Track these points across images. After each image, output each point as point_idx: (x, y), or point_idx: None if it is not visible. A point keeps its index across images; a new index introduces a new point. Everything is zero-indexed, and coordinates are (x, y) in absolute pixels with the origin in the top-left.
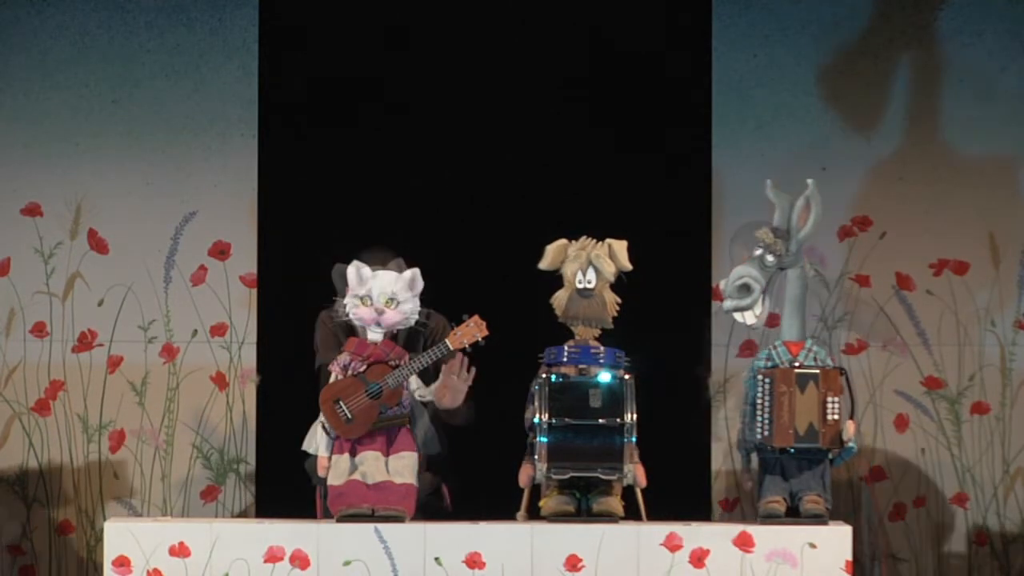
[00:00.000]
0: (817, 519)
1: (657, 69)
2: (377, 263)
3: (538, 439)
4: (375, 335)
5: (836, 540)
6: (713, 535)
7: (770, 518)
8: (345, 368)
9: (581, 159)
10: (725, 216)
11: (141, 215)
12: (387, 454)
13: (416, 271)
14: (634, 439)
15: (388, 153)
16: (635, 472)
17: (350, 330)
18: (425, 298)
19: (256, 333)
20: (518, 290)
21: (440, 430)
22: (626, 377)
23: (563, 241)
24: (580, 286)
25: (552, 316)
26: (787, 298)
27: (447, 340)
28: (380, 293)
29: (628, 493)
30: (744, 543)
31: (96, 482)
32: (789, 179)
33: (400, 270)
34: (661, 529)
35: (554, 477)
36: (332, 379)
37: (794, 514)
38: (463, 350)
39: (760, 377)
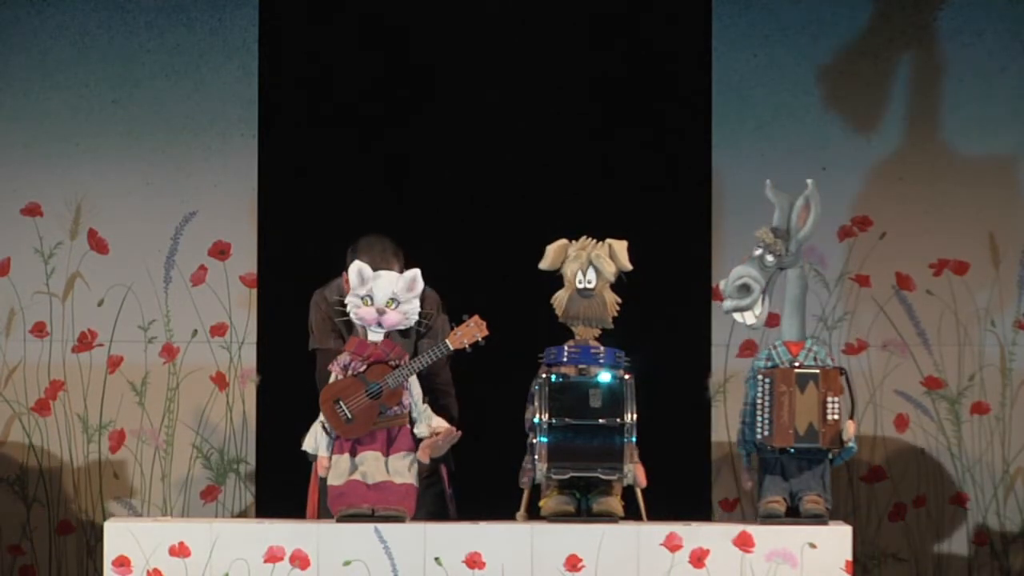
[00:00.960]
0: (817, 519)
1: (657, 69)
2: (378, 254)
3: (538, 439)
4: (375, 335)
5: (836, 540)
6: (713, 535)
7: (770, 518)
8: (345, 368)
9: (581, 159)
10: (725, 216)
11: (141, 215)
12: (387, 454)
13: (417, 272)
14: (634, 439)
15: (388, 153)
16: (635, 472)
17: (347, 324)
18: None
19: (256, 333)
20: (518, 290)
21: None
22: (626, 377)
23: (563, 241)
24: (580, 286)
25: (552, 316)
26: (787, 298)
27: (447, 340)
28: (382, 294)
29: (628, 493)
30: (744, 543)
31: (96, 482)
32: (789, 179)
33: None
34: (661, 529)
35: (554, 477)
36: (332, 379)
37: (794, 514)
38: (463, 350)
39: (760, 377)
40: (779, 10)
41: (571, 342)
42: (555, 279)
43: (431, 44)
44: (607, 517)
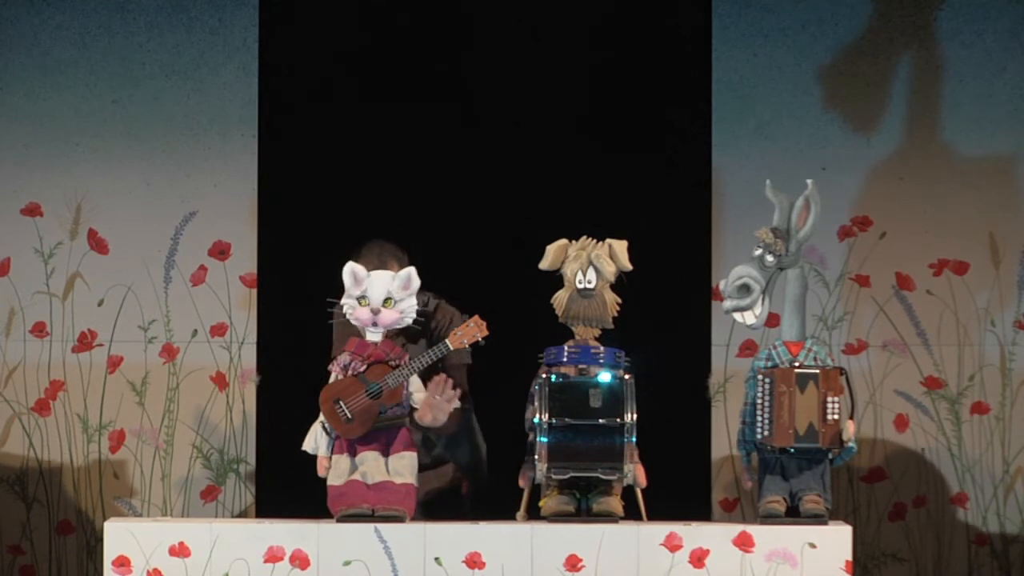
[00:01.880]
0: (817, 519)
1: (657, 69)
2: (375, 257)
3: (538, 439)
4: (374, 335)
5: (836, 540)
6: (713, 535)
7: (770, 518)
8: (345, 368)
9: (581, 159)
10: (725, 216)
11: (141, 215)
12: (387, 454)
13: (412, 270)
14: (634, 439)
15: (388, 153)
16: (635, 472)
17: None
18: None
19: (256, 333)
20: (518, 290)
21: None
22: (626, 377)
23: (563, 241)
24: (580, 286)
25: (552, 316)
26: (787, 298)
27: (447, 340)
28: (376, 293)
29: (628, 493)
30: (744, 543)
31: (96, 482)
32: (789, 179)
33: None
34: (661, 529)
35: (554, 477)
36: (332, 379)
37: (794, 514)
38: (463, 350)
39: (760, 377)
40: (779, 10)
41: (571, 342)
42: (555, 279)
43: (431, 44)
44: (607, 517)
